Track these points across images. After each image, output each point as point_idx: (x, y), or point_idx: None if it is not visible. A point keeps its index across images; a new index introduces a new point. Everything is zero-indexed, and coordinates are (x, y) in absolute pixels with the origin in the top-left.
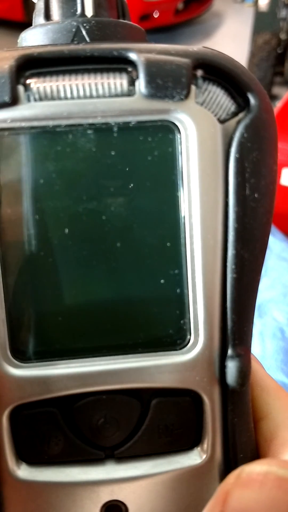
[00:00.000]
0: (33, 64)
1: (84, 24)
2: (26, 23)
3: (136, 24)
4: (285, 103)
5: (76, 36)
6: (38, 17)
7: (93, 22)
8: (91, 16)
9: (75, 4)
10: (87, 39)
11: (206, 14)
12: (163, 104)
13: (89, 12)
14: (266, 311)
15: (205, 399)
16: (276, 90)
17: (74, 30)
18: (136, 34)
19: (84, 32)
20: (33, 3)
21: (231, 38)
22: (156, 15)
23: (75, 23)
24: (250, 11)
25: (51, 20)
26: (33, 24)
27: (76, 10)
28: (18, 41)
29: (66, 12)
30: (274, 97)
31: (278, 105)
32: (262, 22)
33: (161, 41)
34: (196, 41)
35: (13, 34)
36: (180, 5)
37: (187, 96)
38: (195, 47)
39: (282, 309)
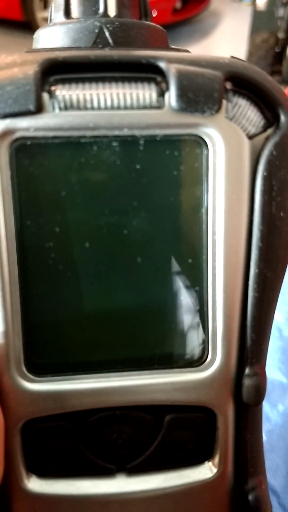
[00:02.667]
0: (58, 70)
1: (108, 25)
2: (24, 22)
3: (159, 26)
4: None
5: (99, 38)
6: (57, 13)
7: (116, 23)
8: (114, 16)
9: (98, 2)
10: (110, 41)
11: (204, 13)
12: (192, 118)
13: (112, 12)
14: None
15: (219, 416)
16: None
17: (96, 31)
18: (158, 37)
19: (107, 34)
20: (31, 2)
21: (229, 37)
22: (154, 14)
23: (98, 24)
24: (248, 10)
25: (71, 17)
26: (49, 20)
27: (98, 9)
28: (35, 37)
29: (87, 10)
30: None
31: None
32: (260, 21)
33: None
34: (194, 40)
35: (11, 33)
36: (178, 4)
37: (218, 110)
38: (225, 58)
39: (280, 308)
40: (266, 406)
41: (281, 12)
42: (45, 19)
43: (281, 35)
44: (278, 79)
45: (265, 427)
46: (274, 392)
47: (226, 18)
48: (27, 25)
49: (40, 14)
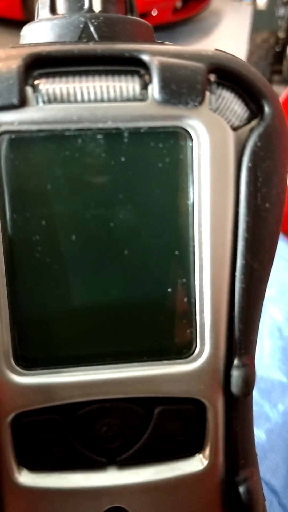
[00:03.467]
0: (42, 64)
1: (92, 20)
2: (24, 21)
3: (145, 21)
4: (284, 101)
5: (84, 33)
6: (43, 10)
7: (101, 18)
8: (99, 12)
9: None
10: (95, 36)
11: (205, 13)
12: (176, 110)
13: (97, 7)
14: (263, 309)
15: (208, 407)
16: (274, 88)
17: (81, 26)
18: (144, 32)
19: (92, 29)
20: (31, 1)
21: (230, 37)
22: (154, 13)
23: (82, 19)
24: (248, 10)
25: (57, 14)
26: (36, 17)
27: (83, 4)
28: (22, 34)
29: (72, 6)
30: None
31: None
32: (260, 21)
33: (159, 40)
34: (194, 39)
35: (11, 33)
36: (178, 4)
37: (201, 102)
38: (208, 50)
39: (280, 308)
40: (266, 405)
41: (281, 11)
42: None
43: (281, 34)
44: (279, 79)
45: (265, 426)
46: (274, 391)
47: (227, 18)
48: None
49: None
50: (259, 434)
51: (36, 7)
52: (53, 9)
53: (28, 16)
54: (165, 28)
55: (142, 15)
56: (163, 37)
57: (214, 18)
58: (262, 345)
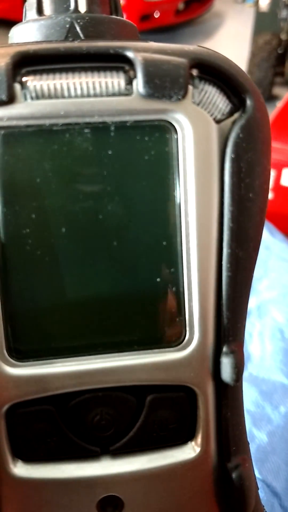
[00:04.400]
0: (29, 62)
1: (78, 20)
2: None
3: (129, 20)
4: (285, 103)
5: (70, 33)
6: (30, 12)
7: (86, 18)
8: (85, 12)
9: (68, 0)
10: (81, 35)
11: (207, 15)
12: (160, 104)
13: (82, 8)
14: (265, 311)
15: (199, 394)
16: (276, 90)
17: (67, 26)
18: (129, 31)
19: (78, 29)
20: None
21: (232, 38)
22: (156, 15)
23: (68, 19)
24: (250, 12)
25: (43, 15)
26: (24, 18)
27: (69, 6)
28: (10, 35)
29: (58, 7)
30: (274, 97)
31: (278, 105)
32: (263, 23)
33: (162, 41)
34: (196, 41)
35: None
36: (180, 5)
37: (184, 96)
38: (190, 46)
39: (281, 310)
40: (268, 407)
41: (284, 13)
42: None
43: (284, 36)
44: (281, 81)
45: (267, 428)
46: (276, 393)
47: (229, 20)
48: None
49: None
50: (261, 436)
51: (24, 9)
52: (40, 10)
53: None
54: (167, 30)
55: (145, 17)
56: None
57: (217, 20)
58: (264, 347)
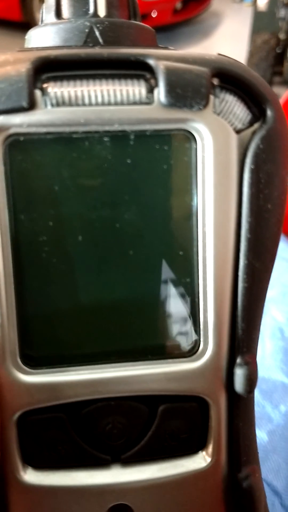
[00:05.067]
0: (50, 67)
1: (98, 25)
2: (23, 23)
3: (147, 25)
4: (284, 103)
5: (89, 37)
6: (48, 14)
7: (106, 23)
8: (104, 16)
9: (88, 3)
10: (100, 40)
11: (205, 14)
12: (181, 113)
13: (101, 12)
14: (265, 310)
15: (211, 405)
16: (275, 89)
17: (87, 30)
18: (147, 37)
19: (97, 33)
20: (30, 3)
21: (230, 38)
22: (154, 14)
23: (88, 24)
24: (248, 11)
25: (62, 18)
26: (41, 21)
27: (88, 9)
28: (27, 38)
29: (77, 11)
30: None
31: None
32: (261, 22)
33: (160, 41)
34: (194, 41)
35: (10, 34)
36: (178, 5)
37: (205, 106)
38: (211, 55)
39: (281, 309)
40: (268, 406)
41: (282, 13)
42: None
43: (282, 36)
44: (279, 80)
45: (267, 427)
46: (276, 392)
47: (227, 19)
48: (26, 26)
49: (39, 15)
50: (261, 435)
51: (41, 12)
52: (58, 13)
53: (27, 17)
54: (165, 30)
55: (142, 17)
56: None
57: (214, 19)
58: (263, 346)
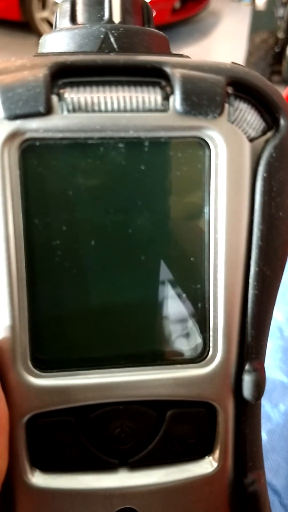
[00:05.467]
0: (66, 73)
1: (113, 31)
2: (22, 22)
3: (161, 32)
4: None
5: (104, 43)
6: (63, 19)
7: (121, 29)
8: (119, 22)
9: (103, 9)
10: (115, 46)
11: (203, 13)
12: (195, 121)
13: (116, 18)
14: None
15: (219, 411)
16: None
17: (102, 36)
18: (161, 43)
19: (112, 39)
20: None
21: (229, 37)
22: (153, 14)
23: (103, 29)
24: (247, 10)
25: (77, 23)
26: (54, 26)
27: (103, 15)
28: (41, 42)
29: (92, 16)
30: None
31: None
32: (260, 21)
33: None
34: (193, 40)
35: (9, 34)
36: (177, 4)
37: (220, 114)
38: (226, 63)
39: (280, 308)
40: (267, 405)
41: (280, 12)
42: (44, 20)
43: (280, 35)
44: (278, 79)
45: (266, 427)
46: (275, 391)
47: (226, 18)
48: (25, 26)
49: (38, 15)
50: None
51: (55, 16)
52: (73, 19)
53: (26, 17)
54: (164, 29)
55: None
56: None
57: (213, 18)
58: None
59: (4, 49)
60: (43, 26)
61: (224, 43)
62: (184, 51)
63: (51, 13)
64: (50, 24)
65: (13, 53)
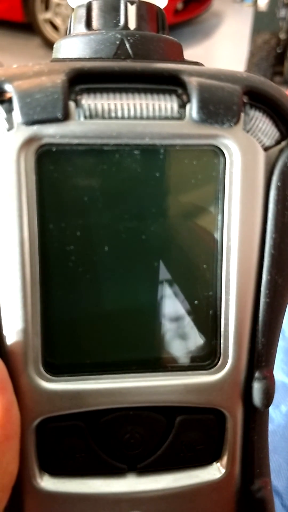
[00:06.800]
0: (83, 79)
1: (128, 38)
2: (25, 24)
3: (175, 39)
4: None
5: (120, 49)
6: (78, 25)
7: (137, 36)
8: (134, 29)
9: (118, 15)
10: (131, 53)
11: (206, 14)
12: (211, 129)
13: (132, 24)
14: None
15: (228, 417)
16: None
17: (118, 43)
18: (175, 50)
19: (127, 46)
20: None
21: (231, 38)
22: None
23: (119, 36)
24: (249, 11)
25: (92, 29)
26: (68, 31)
27: (118, 21)
28: (55, 47)
29: (108, 22)
30: None
31: None
32: (262, 22)
33: None
34: (195, 41)
35: (12, 35)
36: (179, 5)
37: (236, 123)
38: (242, 72)
39: None
40: None
41: (282, 13)
42: (47, 21)
43: (282, 36)
44: (280, 80)
45: (268, 428)
46: (276, 392)
47: (228, 19)
48: (28, 27)
49: (41, 16)
50: None
51: (69, 21)
52: (89, 24)
53: (29, 18)
54: None
55: None
56: None
57: (215, 19)
58: None
59: (7, 50)
60: (46, 28)
61: (226, 44)
62: (187, 52)
63: (54, 14)
64: (53, 26)
65: (16, 54)
